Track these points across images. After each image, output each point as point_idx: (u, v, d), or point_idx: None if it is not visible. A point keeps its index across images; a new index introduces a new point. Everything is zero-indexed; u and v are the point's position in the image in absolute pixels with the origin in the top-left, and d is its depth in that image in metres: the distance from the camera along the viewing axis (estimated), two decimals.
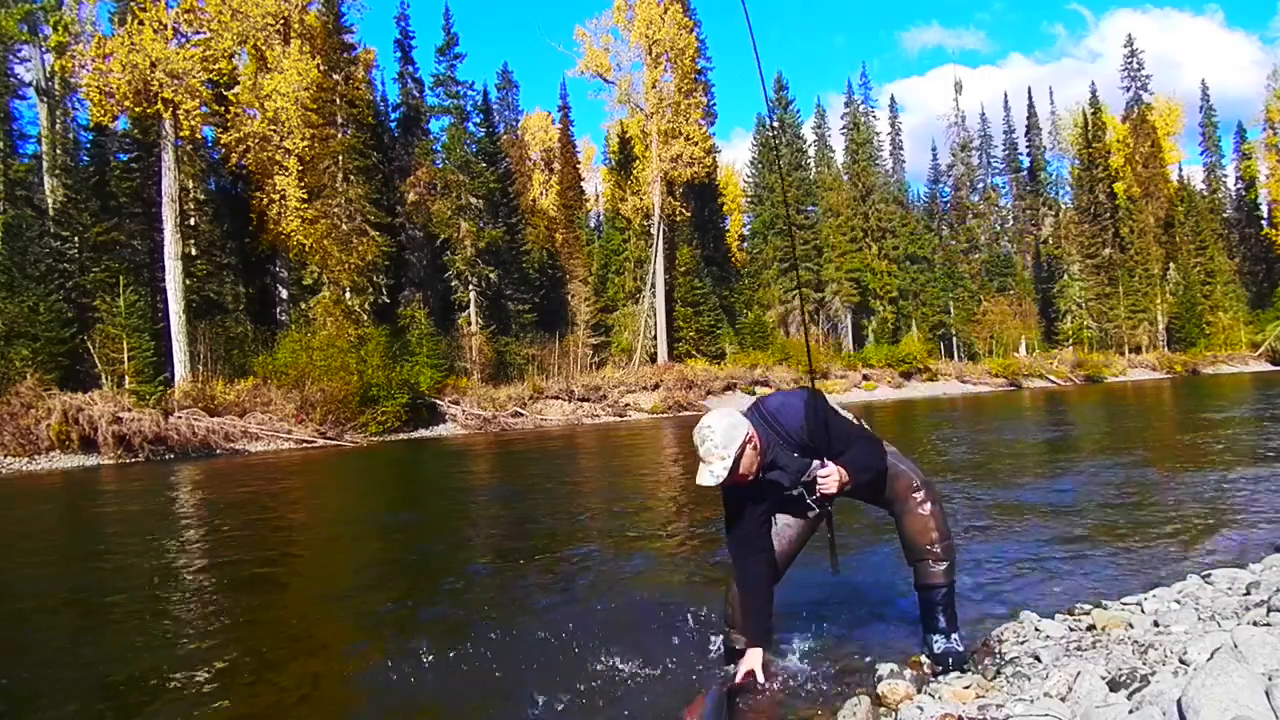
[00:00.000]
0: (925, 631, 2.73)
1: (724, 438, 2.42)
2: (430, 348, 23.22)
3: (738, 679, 2.60)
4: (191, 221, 23.82)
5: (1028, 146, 51.29)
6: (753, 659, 2.62)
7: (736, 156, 78.49)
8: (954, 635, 2.69)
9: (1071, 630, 2.86)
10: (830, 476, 2.54)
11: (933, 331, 40.64)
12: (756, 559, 2.66)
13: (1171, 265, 47.15)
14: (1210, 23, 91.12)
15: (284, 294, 25.44)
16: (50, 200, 23.13)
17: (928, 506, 2.67)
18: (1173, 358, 42.44)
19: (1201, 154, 53.38)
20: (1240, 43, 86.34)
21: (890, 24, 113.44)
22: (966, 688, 2.42)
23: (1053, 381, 36.58)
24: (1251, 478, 6.55)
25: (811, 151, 44.29)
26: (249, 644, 3.60)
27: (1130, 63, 49.51)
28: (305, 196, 22.70)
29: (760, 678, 2.59)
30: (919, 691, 2.47)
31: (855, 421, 2.75)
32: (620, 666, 2.90)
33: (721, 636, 2.90)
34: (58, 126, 25.00)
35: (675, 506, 7.12)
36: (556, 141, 42.73)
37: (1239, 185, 52.70)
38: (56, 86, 24.78)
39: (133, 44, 19.15)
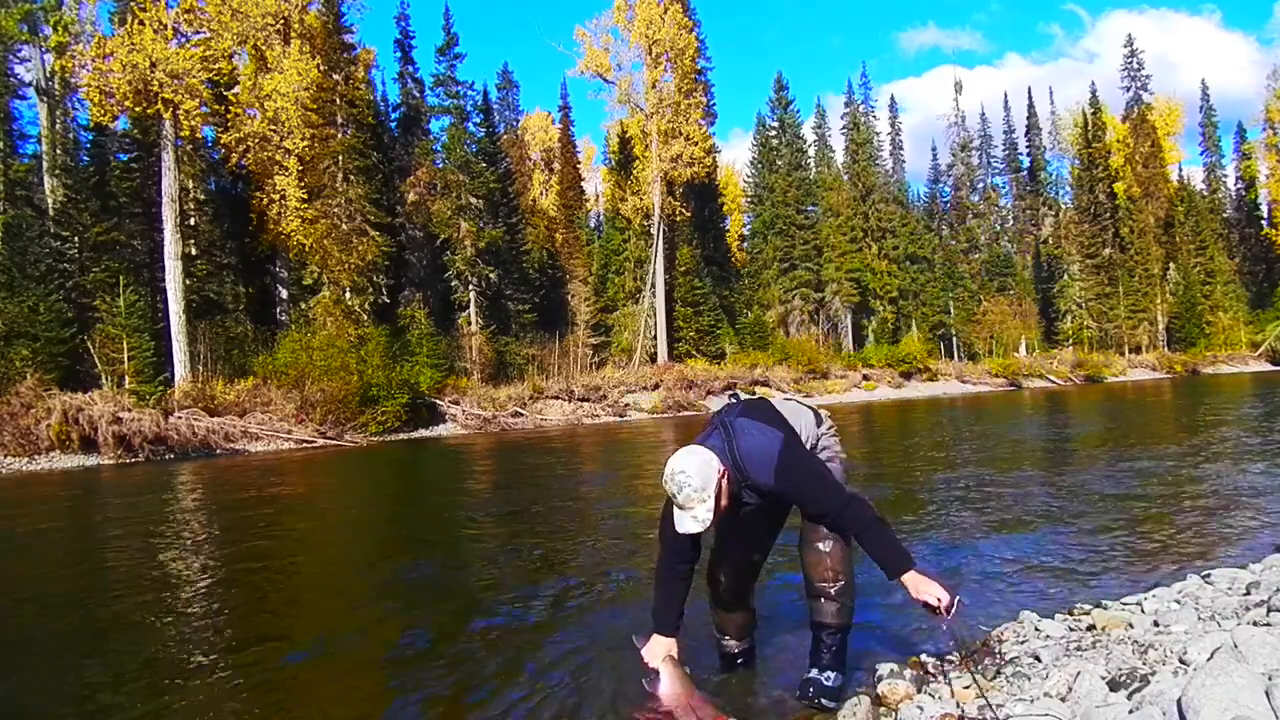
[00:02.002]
0: (810, 663, 2.63)
1: (701, 479, 2.35)
2: (430, 348, 23.19)
3: (653, 666, 2.53)
4: (191, 221, 23.80)
5: (1027, 146, 51.36)
6: (663, 646, 2.56)
7: (736, 156, 78.54)
8: (829, 673, 2.57)
9: (1071, 630, 2.86)
10: (930, 587, 2.45)
11: (933, 331, 40.61)
12: (683, 566, 2.59)
13: (1171, 265, 47.12)
14: (1207, 23, 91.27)
15: (284, 294, 25.43)
16: (50, 200, 23.11)
17: (827, 544, 2.56)
18: (1173, 358, 42.42)
19: (1201, 154, 53.53)
20: (1238, 43, 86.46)
21: (887, 25, 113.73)
22: (966, 688, 2.42)
23: (1053, 381, 36.56)
24: (1251, 477, 6.56)
25: (811, 151, 44.31)
26: (250, 643, 3.61)
27: (1130, 63, 49.53)
28: (305, 196, 22.70)
29: (670, 670, 2.51)
30: (919, 691, 2.47)
31: (822, 457, 2.69)
32: (618, 668, 2.90)
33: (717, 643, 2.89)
34: (58, 126, 24.98)
35: None
36: (556, 141, 42.72)
37: (1239, 185, 52.73)
38: (56, 86, 24.76)
39: (133, 44, 19.13)
